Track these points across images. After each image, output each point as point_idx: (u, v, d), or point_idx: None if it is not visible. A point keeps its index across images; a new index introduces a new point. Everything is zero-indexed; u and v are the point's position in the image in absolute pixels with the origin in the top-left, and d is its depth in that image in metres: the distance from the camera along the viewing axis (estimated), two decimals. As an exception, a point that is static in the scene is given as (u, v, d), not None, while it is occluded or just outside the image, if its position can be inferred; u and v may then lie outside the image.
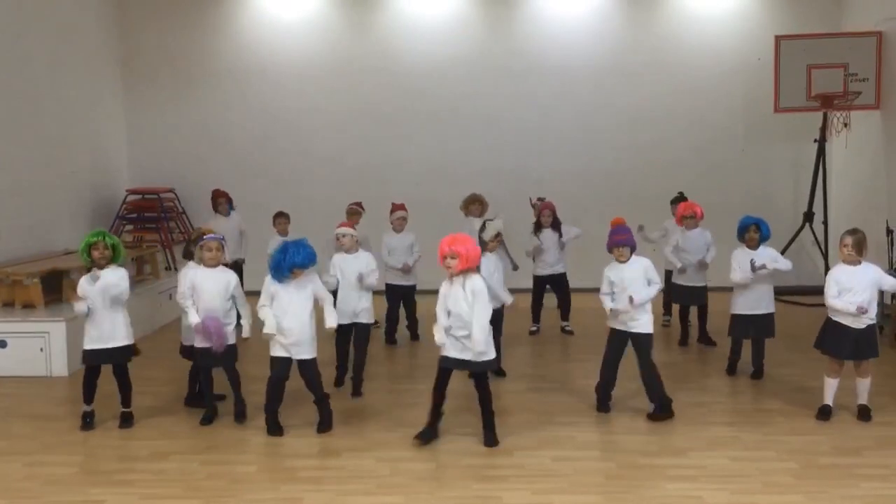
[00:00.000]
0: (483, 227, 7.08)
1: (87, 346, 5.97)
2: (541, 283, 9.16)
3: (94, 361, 6.00)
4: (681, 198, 9.55)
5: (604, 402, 6.31)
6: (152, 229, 10.83)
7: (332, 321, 5.92)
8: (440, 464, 5.29)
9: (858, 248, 5.90)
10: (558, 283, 9.15)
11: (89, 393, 6.06)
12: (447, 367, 5.58)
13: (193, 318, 5.96)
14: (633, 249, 6.19)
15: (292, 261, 5.64)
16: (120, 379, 6.09)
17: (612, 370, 6.26)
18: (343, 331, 6.79)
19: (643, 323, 6.07)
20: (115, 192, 11.27)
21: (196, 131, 11.81)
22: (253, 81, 11.76)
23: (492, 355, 5.56)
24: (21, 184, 9.12)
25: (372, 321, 6.95)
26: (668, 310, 9.37)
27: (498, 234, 7.02)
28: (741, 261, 7.04)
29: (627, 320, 6.08)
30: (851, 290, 5.86)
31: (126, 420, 6.11)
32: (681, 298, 8.52)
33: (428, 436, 5.64)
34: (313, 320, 5.83)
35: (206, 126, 11.82)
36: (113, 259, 5.99)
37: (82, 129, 10.66)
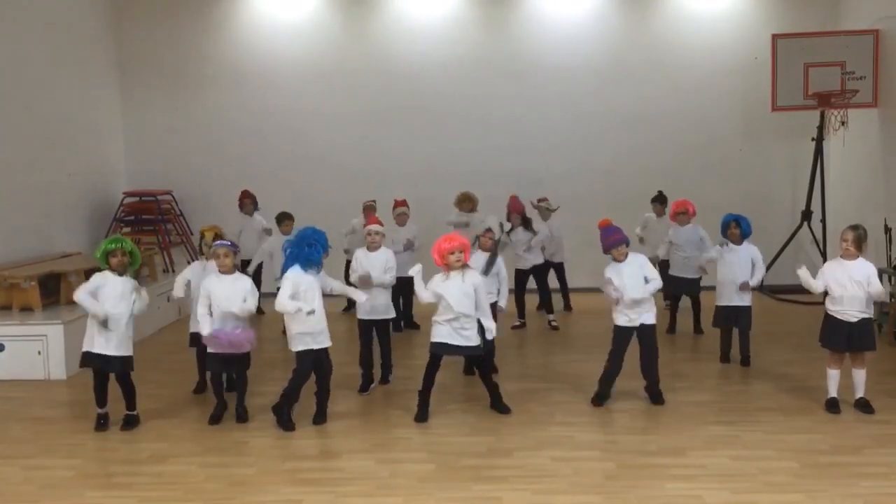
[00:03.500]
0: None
1: (93, 350, 5.93)
2: (523, 276, 9.29)
3: (96, 364, 5.98)
4: (661, 196, 9.69)
5: (603, 395, 6.45)
6: (150, 232, 10.81)
7: (359, 296, 6.27)
8: (440, 465, 5.28)
9: (857, 243, 6.00)
10: (538, 274, 9.37)
11: (102, 397, 6.09)
12: (439, 353, 6.04)
13: (205, 329, 5.94)
14: (628, 244, 6.42)
15: (323, 245, 5.83)
16: (121, 384, 6.11)
17: (618, 361, 6.43)
18: (364, 327, 6.93)
19: (649, 315, 6.31)
20: (112, 195, 11.25)
21: (193, 133, 11.79)
22: (250, 83, 11.74)
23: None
24: (18, 186, 9.09)
25: (391, 316, 7.06)
26: (665, 296, 9.48)
27: (489, 230, 7.09)
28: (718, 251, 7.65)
29: (633, 315, 6.30)
30: (842, 286, 5.99)
31: (129, 422, 6.12)
32: (675, 288, 8.85)
33: (424, 418, 6.07)
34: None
35: (204, 128, 11.80)
36: (130, 265, 6.04)
37: (80, 132, 10.64)
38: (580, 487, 4.90)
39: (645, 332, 6.34)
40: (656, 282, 6.33)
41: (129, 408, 6.14)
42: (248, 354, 6.16)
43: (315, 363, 5.97)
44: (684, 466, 5.20)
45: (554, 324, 9.35)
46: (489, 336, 6.05)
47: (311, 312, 5.71)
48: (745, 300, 7.44)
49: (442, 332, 5.98)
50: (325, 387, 6.08)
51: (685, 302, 9.04)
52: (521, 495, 4.80)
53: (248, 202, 10.20)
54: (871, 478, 4.97)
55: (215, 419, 6.12)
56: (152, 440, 5.84)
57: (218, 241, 6.17)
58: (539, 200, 9.80)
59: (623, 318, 6.33)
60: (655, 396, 6.44)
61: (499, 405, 6.26)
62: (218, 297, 5.97)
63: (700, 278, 8.65)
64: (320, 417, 6.05)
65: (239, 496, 4.86)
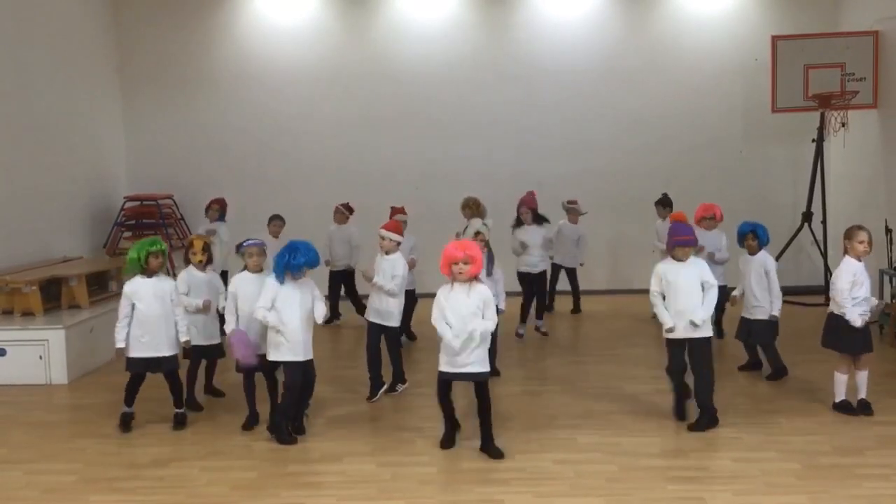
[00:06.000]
0: (466, 228, 7.19)
1: (135, 354, 6.00)
2: (528, 281, 8.93)
3: (142, 369, 6.06)
4: (665, 199, 9.58)
5: (680, 410, 6.09)
6: (151, 236, 10.79)
7: (319, 313, 5.80)
8: (442, 468, 5.28)
9: (871, 243, 6.02)
10: (539, 281, 9.02)
11: (131, 397, 6.14)
12: (447, 379, 5.55)
13: (231, 326, 5.97)
14: (695, 245, 6.06)
15: (304, 260, 5.66)
16: (170, 382, 6.18)
17: (680, 379, 6.07)
18: (370, 330, 6.83)
19: (702, 328, 5.85)
20: (113, 199, 11.26)
21: (194, 137, 11.80)
22: (251, 87, 11.75)
23: (487, 366, 5.54)
24: (19, 191, 9.10)
25: (397, 325, 6.85)
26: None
27: (477, 234, 6.97)
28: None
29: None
30: (863, 285, 6.01)
31: (179, 421, 6.19)
32: None
33: (450, 443, 5.63)
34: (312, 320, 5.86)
35: (205, 132, 11.80)
36: (163, 265, 6.14)
37: (80, 136, 10.65)
38: (582, 490, 4.90)
39: (696, 346, 5.89)
40: (713, 289, 5.88)
41: (176, 405, 6.20)
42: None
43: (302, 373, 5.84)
44: (686, 468, 5.20)
45: (542, 330, 9.09)
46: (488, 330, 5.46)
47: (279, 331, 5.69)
48: (763, 313, 7.07)
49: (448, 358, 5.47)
50: (307, 398, 5.97)
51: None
52: (523, 498, 4.79)
53: (215, 207, 9.89)
54: (872, 479, 4.97)
55: (249, 426, 6.09)
56: (154, 444, 5.84)
57: (250, 241, 6.14)
58: (569, 202, 9.75)
59: (672, 333, 5.90)
60: (710, 419, 5.92)
61: (490, 447, 5.51)
62: (244, 298, 5.96)
63: (725, 285, 7.98)
64: (299, 429, 5.93)
65: (241, 500, 4.86)
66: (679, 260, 5.89)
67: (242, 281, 6.04)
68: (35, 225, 9.44)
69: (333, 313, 9.79)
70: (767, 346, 7.21)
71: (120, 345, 5.98)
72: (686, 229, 6.03)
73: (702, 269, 5.91)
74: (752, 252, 7.12)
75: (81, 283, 8.31)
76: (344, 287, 9.82)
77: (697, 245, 6.11)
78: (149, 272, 6.02)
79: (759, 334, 7.15)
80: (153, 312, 5.97)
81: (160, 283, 6.06)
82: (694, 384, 5.99)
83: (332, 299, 9.74)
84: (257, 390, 6.15)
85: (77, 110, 10.58)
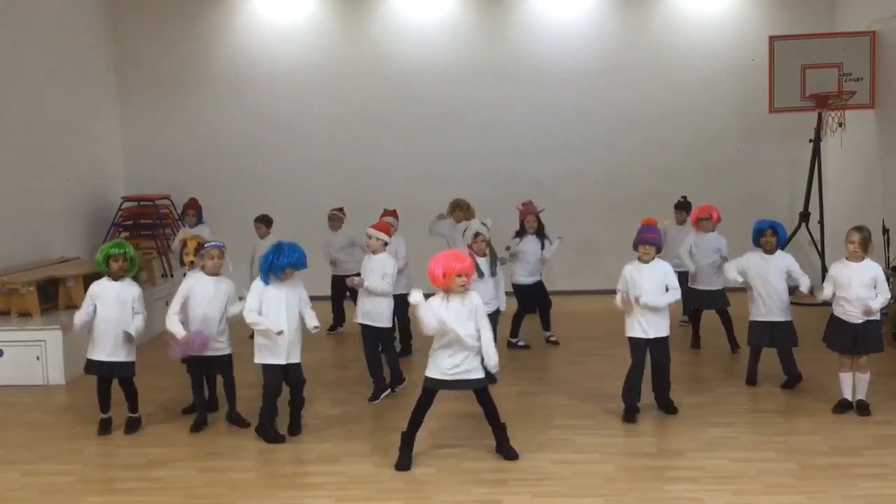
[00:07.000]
0: (465, 231, 7.15)
1: (94, 357, 5.97)
2: (523, 293, 8.63)
3: (96, 372, 6.00)
4: (684, 202, 9.50)
5: (631, 411, 6.13)
6: (148, 236, 10.80)
7: (311, 321, 5.81)
8: (440, 468, 5.28)
9: (864, 245, 6.02)
10: (538, 292, 8.72)
11: (104, 402, 6.09)
12: (435, 388, 5.36)
13: (178, 330, 5.89)
14: (658, 251, 6.16)
15: (287, 261, 5.63)
16: (124, 388, 6.11)
17: (638, 377, 6.16)
18: (364, 332, 6.81)
19: (661, 327, 6.07)
20: (110, 200, 11.24)
21: (192, 137, 11.79)
22: (248, 87, 11.73)
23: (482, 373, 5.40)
24: (17, 191, 9.09)
25: (389, 325, 6.83)
26: (685, 310, 8.97)
27: (478, 235, 6.95)
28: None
29: (645, 325, 6.03)
30: (847, 287, 6.00)
31: (132, 425, 6.12)
32: (697, 302, 8.27)
33: (406, 466, 5.30)
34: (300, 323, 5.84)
35: (202, 132, 11.79)
36: (129, 271, 6.03)
37: (78, 137, 10.63)
38: (580, 490, 4.90)
39: (656, 345, 6.10)
40: (676, 292, 6.08)
41: (131, 410, 6.14)
42: (230, 356, 6.12)
43: (285, 377, 5.82)
44: (684, 468, 5.20)
45: (553, 339, 8.77)
46: (492, 370, 5.34)
47: (280, 333, 5.62)
48: (786, 315, 6.70)
49: (440, 365, 5.29)
50: (297, 399, 5.96)
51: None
52: (521, 498, 4.80)
53: (190, 213, 9.56)
54: (870, 479, 4.98)
55: (197, 427, 6.09)
56: (152, 445, 5.83)
57: (211, 243, 6.12)
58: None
59: (638, 330, 6.05)
60: (667, 406, 6.25)
61: (505, 449, 5.47)
62: (199, 299, 5.96)
63: (724, 289, 8.02)
64: (295, 429, 5.95)
65: (239, 500, 4.86)
66: (643, 262, 6.06)
67: (197, 283, 6.02)
68: (32, 225, 9.42)
69: (338, 320, 9.59)
70: (787, 351, 6.81)
71: (75, 325, 5.94)
72: (652, 230, 6.20)
73: (666, 272, 6.09)
74: (771, 249, 6.74)
75: (78, 284, 8.29)
76: (350, 292, 9.11)
77: (660, 247, 6.20)
78: (111, 275, 5.96)
79: (783, 339, 6.74)
80: (111, 316, 5.89)
81: (124, 288, 5.98)
82: (659, 382, 6.23)
83: (336, 305, 9.55)
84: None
85: (74, 110, 10.56)
